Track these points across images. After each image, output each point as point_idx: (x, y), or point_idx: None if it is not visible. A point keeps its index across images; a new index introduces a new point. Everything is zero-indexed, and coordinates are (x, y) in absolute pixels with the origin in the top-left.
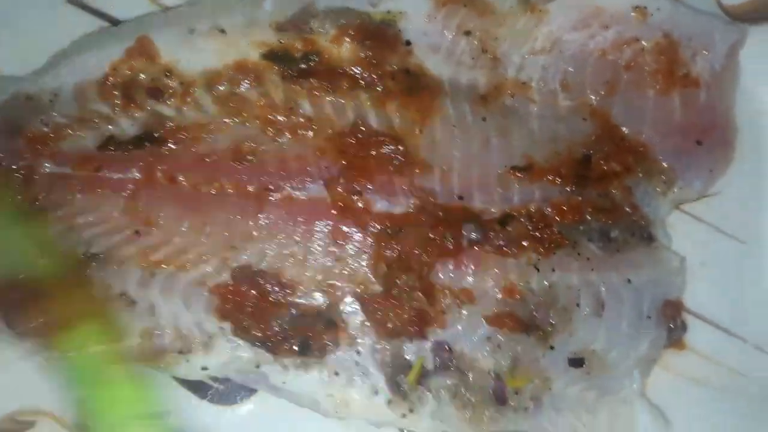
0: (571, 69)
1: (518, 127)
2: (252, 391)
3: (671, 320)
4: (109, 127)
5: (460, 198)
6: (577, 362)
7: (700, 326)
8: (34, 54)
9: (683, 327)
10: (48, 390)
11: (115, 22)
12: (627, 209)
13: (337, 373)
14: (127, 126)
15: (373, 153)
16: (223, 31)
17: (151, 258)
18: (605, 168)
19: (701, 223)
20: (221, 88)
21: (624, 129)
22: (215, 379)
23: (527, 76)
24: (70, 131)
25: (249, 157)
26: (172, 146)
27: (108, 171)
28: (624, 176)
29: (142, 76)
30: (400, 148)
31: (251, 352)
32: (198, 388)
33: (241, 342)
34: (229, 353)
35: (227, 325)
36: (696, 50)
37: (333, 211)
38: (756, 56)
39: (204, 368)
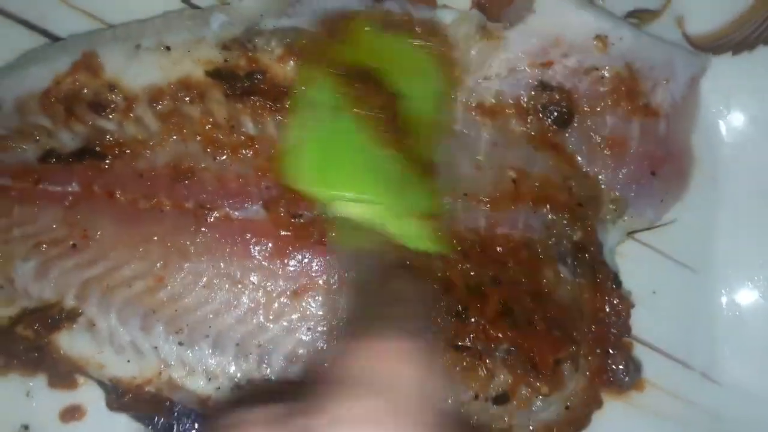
0: (525, 97)
1: (467, 153)
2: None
3: (622, 365)
4: (50, 140)
5: None
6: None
7: (650, 355)
8: None
9: (637, 369)
10: None
11: (57, 39)
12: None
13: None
14: (67, 140)
15: None
16: (168, 48)
17: (87, 273)
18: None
19: (654, 251)
20: (164, 104)
21: (579, 158)
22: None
23: (479, 101)
24: (11, 143)
25: (188, 175)
26: (112, 161)
27: (47, 183)
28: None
29: (86, 90)
30: None
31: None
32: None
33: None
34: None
35: (160, 344)
36: (657, 80)
37: (272, 232)
38: (716, 86)
39: (138, 386)
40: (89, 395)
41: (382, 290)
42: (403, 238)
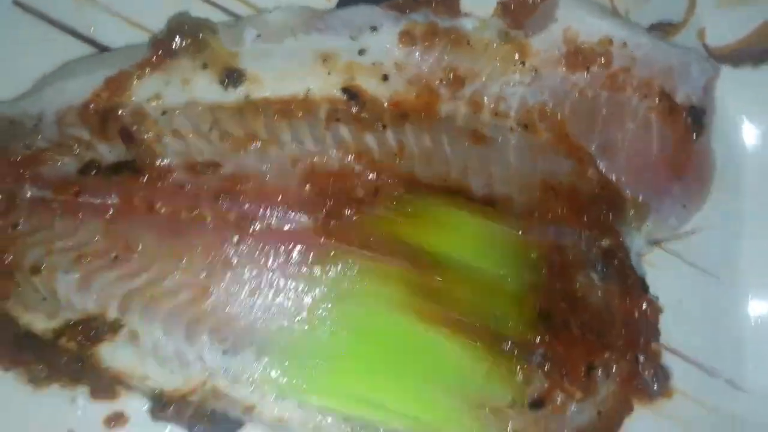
0: (550, 103)
1: (496, 158)
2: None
3: (651, 373)
4: (89, 152)
5: None
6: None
7: (678, 362)
8: (19, 80)
9: (666, 377)
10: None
11: (103, 49)
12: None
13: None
14: (105, 152)
15: (354, 185)
16: (205, 66)
17: (129, 285)
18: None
19: (680, 260)
20: (202, 120)
21: (600, 163)
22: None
23: (506, 107)
24: (51, 155)
25: (229, 187)
26: (150, 174)
27: (88, 196)
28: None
29: (121, 104)
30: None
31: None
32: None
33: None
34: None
35: (205, 354)
36: (674, 85)
37: (314, 240)
38: (737, 97)
39: (182, 396)
40: (132, 402)
41: None
42: None
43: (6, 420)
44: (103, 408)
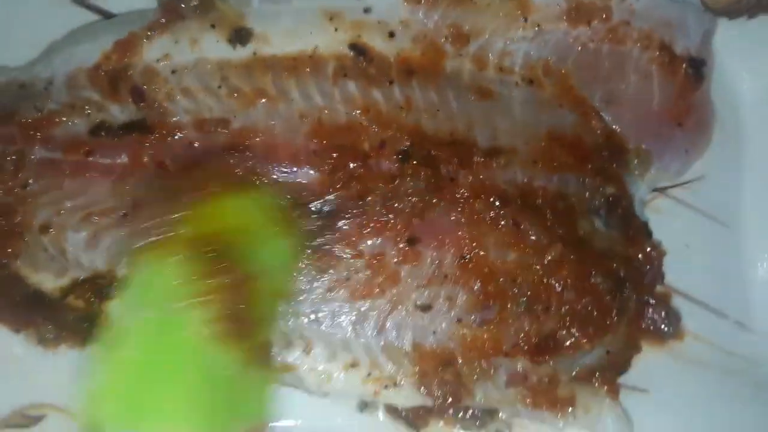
0: (554, 58)
1: (502, 112)
2: None
3: (663, 315)
4: (100, 113)
5: (451, 179)
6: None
7: (687, 306)
8: (29, 48)
9: (677, 319)
10: (57, 384)
11: (110, 17)
12: None
13: (319, 347)
14: (117, 112)
15: (360, 138)
16: (213, 26)
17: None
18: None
19: (687, 207)
20: (212, 79)
21: (604, 115)
22: None
23: (510, 63)
24: (62, 117)
25: (237, 143)
26: (160, 132)
27: (98, 156)
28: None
29: (133, 65)
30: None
31: None
32: None
33: None
34: None
35: None
36: (673, 37)
37: (321, 193)
38: (733, 49)
39: None
40: None
41: None
42: None
43: (24, 382)
44: None
